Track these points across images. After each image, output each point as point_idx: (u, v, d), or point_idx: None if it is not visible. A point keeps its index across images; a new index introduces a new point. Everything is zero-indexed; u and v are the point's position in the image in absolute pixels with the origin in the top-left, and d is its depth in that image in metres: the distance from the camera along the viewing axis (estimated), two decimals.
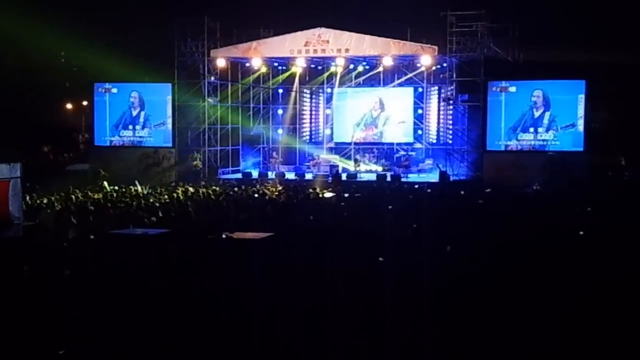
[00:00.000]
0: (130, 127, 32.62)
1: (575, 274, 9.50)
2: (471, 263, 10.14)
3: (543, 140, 29.02)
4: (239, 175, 31.90)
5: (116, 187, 24.58)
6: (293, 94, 35.45)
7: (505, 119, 29.51)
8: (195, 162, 31.53)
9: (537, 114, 29.14)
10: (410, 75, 32.69)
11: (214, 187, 23.73)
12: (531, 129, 29.14)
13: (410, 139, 33.87)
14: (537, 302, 8.27)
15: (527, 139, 29.20)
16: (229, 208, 17.07)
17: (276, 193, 21.90)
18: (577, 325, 7.67)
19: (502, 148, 29.49)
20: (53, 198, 19.83)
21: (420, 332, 7.60)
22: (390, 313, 8.10)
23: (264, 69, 33.82)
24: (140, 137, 32.52)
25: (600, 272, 9.58)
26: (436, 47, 29.42)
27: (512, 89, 29.61)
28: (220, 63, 31.47)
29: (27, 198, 18.60)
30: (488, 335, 7.55)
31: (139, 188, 23.58)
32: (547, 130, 28.96)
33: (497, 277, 9.40)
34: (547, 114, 29.00)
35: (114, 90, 32.99)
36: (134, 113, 32.63)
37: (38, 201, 19.16)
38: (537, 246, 11.40)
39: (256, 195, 21.02)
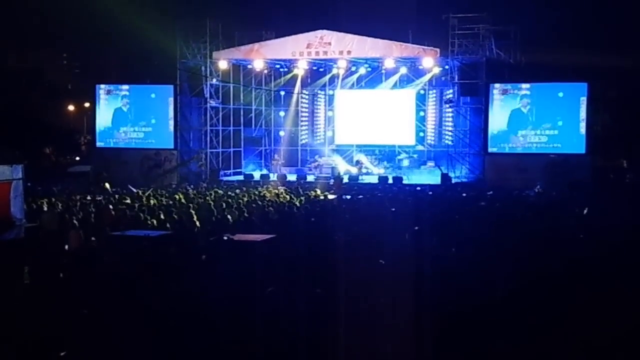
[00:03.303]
0: (131, 128, 32.63)
1: (576, 278, 9.49)
2: (473, 265, 10.13)
3: (543, 142, 28.98)
4: (241, 177, 31.93)
5: (118, 190, 24.57)
6: (295, 96, 35.47)
7: (505, 120, 29.50)
8: (200, 163, 31.63)
9: (537, 114, 29.12)
10: (417, 82, 32.80)
11: (216, 189, 23.73)
12: (531, 129, 29.12)
13: (412, 141, 33.88)
14: (540, 306, 8.26)
15: (527, 141, 29.16)
16: (231, 210, 17.05)
17: (278, 195, 21.87)
18: (579, 329, 7.66)
19: (504, 150, 29.48)
20: (55, 200, 19.83)
21: (420, 336, 7.60)
22: (391, 316, 8.10)
23: (265, 71, 33.87)
24: (142, 138, 32.51)
25: (601, 274, 9.58)
26: (438, 50, 29.46)
27: (514, 91, 29.60)
28: (222, 65, 31.51)
29: (29, 200, 18.59)
30: (489, 341, 7.54)
31: (134, 190, 23.56)
32: (548, 130, 28.94)
33: (499, 280, 9.39)
34: (547, 115, 29.01)
35: (116, 92, 33.02)
36: (134, 114, 32.62)
37: (40, 203, 19.15)
38: (539, 248, 11.38)
39: (257, 197, 21.00)
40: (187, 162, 32.00)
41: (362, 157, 33.47)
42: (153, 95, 32.56)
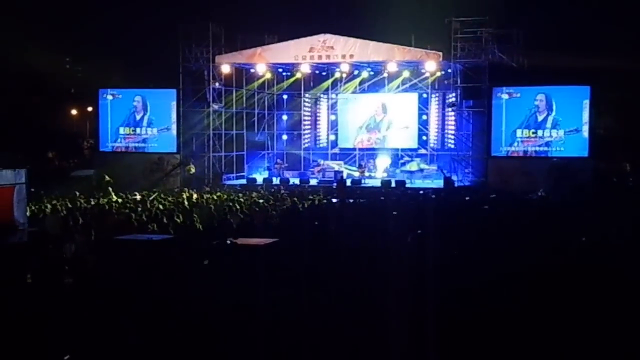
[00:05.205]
0: (133, 130, 32.64)
1: (580, 281, 9.47)
2: (475, 269, 10.12)
3: (546, 143, 28.95)
4: (244, 181, 31.91)
5: (121, 194, 24.59)
6: (297, 99, 35.49)
7: (509, 124, 29.47)
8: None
9: (540, 117, 29.10)
10: (415, 81, 32.82)
11: (218, 193, 23.75)
12: (533, 131, 29.07)
13: (414, 144, 33.88)
14: (543, 312, 8.24)
15: (529, 143, 29.10)
16: (233, 214, 17.05)
17: (281, 199, 21.87)
18: (581, 331, 7.65)
19: (506, 153, 29.46)
20: (58, 204, 19.85)
21: (423, 339, 7.59)
22: (394, 319, 8.09)
23: (268, 75, 33.90)
24: (144, 142, 32.53)
25: (604, 277, 9.57)
26: (440, 53, 29.49)
27: (517, 94, 29.58)
28: (225, 69, 31.52)
29: (32, 204, 18.61)
30: (493, 344, 7.53)
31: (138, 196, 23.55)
32: (550, 132, 28.89)
33: (502, 283, 9.37)
34: (550, 118, 28.96)
35: (119, 96, 33.06)
36: (137, 117, 32.67)
37: (43, 207, 19.17)
38: (542, 253, 11.36)
39: (261, 200, 21.01)
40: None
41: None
42: (155, 100, 32.58)
